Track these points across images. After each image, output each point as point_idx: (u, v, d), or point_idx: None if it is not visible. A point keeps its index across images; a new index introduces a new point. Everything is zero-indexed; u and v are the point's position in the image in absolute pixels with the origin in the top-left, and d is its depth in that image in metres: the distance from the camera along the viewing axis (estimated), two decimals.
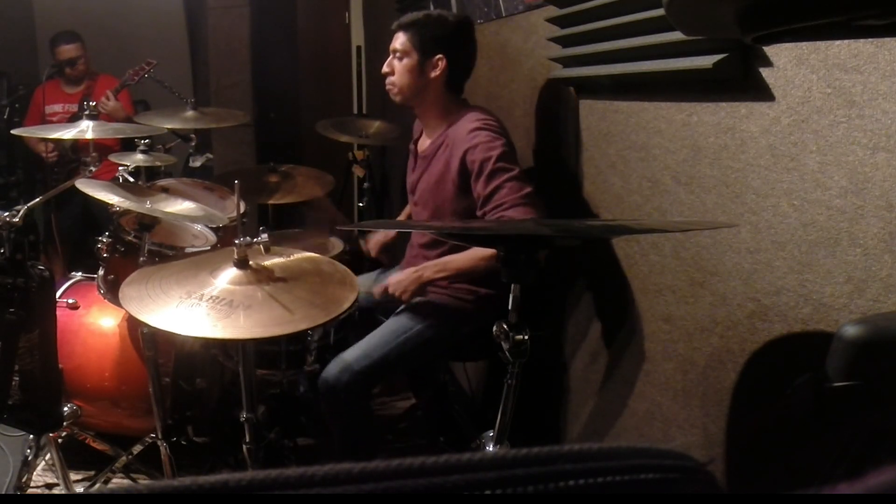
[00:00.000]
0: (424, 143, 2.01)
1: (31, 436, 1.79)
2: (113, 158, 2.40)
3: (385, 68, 1.94)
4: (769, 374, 1.19)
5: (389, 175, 3.89)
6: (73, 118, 3.39)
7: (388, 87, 1.95)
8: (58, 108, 3.51)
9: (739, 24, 0.58)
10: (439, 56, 1.87)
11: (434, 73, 1.88)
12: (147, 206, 1.79)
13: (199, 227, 2.23)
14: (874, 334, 0.76)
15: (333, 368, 1.81)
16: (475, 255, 1.81)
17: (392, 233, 2.36)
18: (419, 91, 1.91)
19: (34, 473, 1.92)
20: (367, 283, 2.13)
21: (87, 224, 3.42)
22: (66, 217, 3.43)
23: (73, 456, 2.05)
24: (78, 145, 3.32)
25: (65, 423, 1.90)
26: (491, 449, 1.31)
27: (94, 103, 2.37)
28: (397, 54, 1.91)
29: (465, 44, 1.93)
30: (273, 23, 4.54)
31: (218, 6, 4.43)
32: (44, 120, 3.45)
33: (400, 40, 1.90)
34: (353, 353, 1.83)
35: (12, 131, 2.63)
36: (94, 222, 3.36)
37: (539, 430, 2.12)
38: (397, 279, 1.88)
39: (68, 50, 3.46)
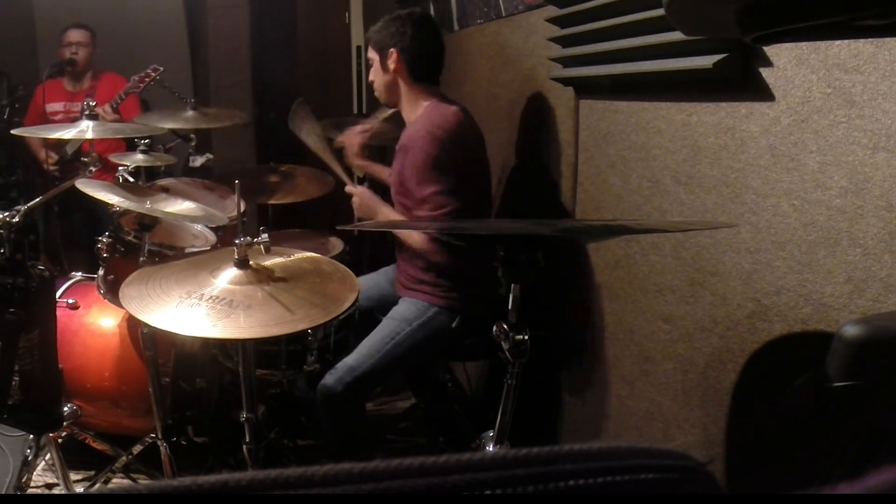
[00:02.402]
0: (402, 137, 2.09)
1: (31, 436, 1.79)
2: (113, 158, 2.40)
3: (370, 77, 2.10)
4: (769, 374, 1.19)
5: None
6: (77, 118, 3.35)
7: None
8: (59, 106, 3.43)
9: (739, 24, 0.58)
10: (391, 50, 1.99)
11: (392, 66, 2.00)
12: (147, 206, 1.79)
13: (199, 227, 2.23)
14: (874, 334, 0.76)
15: (330, 378, 1.85)
16: (418, 239, 1.93)
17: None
18: (389, 87, 2.05)
19: (34, 473, 1.92)
20: (366, 284, 2.14)
21: (92, 229, 3.38)
22: (70, 223, 3.39)
23: (73, 456, 2.05)
24: (81, 150, 3.27)
25: (65, 423, 1.90)
26: (491, 449, 1.31)
27: (93, 103, 2.35)
28: (370, 63, 2.08)
29: (414, 33, 2.01)
30: (273, 23, 4.54)
31: (218, 6, 4.43)
32: (45, 119, 3.38)
33: (369, 49, 2.07)
34: (350, 361, 1.86)
35: (13, 131, 2.62)
36: (101, 228, 3.33)
37: (539, 430, 2.12)
38: (366, 198, 2.02)
39: (73, 34, 3.38)
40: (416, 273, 1.98)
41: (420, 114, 1.98)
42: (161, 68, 3.10)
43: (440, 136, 1.88)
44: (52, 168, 3.35)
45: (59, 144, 3.28)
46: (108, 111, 3.10)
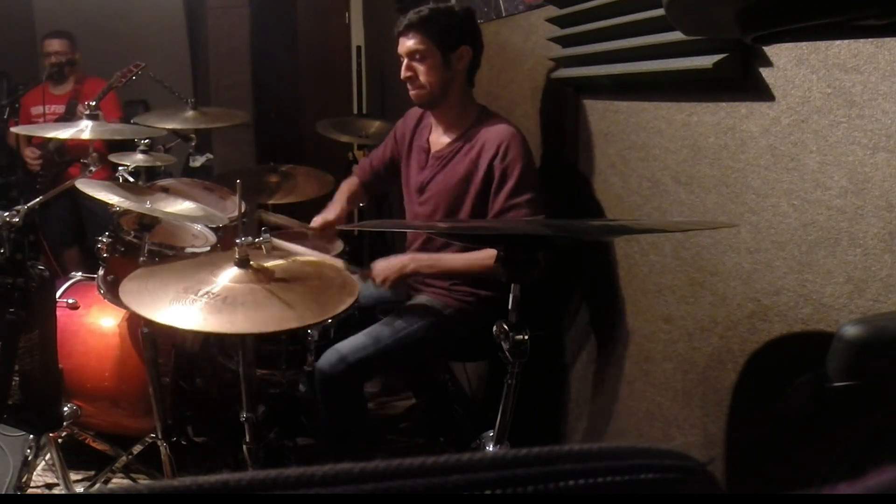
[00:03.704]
0: (439, 142, 1.95)
1: (31, 436, 1.79)
2: (113, 158, 2.40)
3: (406, 72, 1.86)
4: (769, 374, 1.19)
5: None
6: (60, 120, 3.38)
7: (413, 91, 1.87)
8: (41, 109, 3.47)
9: (739, 24, 0.58)
10: (464, 46, 1.84)
11: (461, 65, 1.85)
12: (147, 206, 1.79)
13: (199, 227, 2.23)
14: (874, 334, 0.76)
15: (330, 358, 1.81)
16: (473, 258, 1.81)
17: (336, 215, 2.16)
18: (446, 87, 1.86)
19: (34, 473, 1.92)
20: (366, 285, 2.14)
21: (75, 228, 3.39)
22: (52, 221, 3.39)
23: (73, 456, 2.05)
24: (64, 149, 3.30)
25: (65, 423, 1.90)
26: (491, 449, 1.31)
27: (93, 103, 2.36)
28: (416, 55, 1.83)
29: (478, 30, 1.91)
30: (273, 23, 4.54)
31: (218, 6, 4.44)
32: (29, 122, 3.41)
33: (414, 40, 1.83)
34: (349, 345, 1.83)
35: (12, 129, 2.63)
36: (82, 226, 3.35)
37: (539, 430, 2.12)
38: (382, 266, 1.85)
39: (52, 44, 3.42)
40: (431, 278, 1.95)
41: (489, 124, 1.84)
42: (143, 64, 3.08)
43: (525, 140, 1.80)
44: (33, 164, 3.38)
45: (42, 142, 3.31)
46: (88, 106, 3.16)
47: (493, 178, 1.79)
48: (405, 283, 1.94)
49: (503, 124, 1.84)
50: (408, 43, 1.84)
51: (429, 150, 1.98)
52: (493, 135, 1.81)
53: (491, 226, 1.62)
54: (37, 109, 3.48)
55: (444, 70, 1.84)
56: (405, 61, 1.86)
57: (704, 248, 1.33)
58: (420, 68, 1.84)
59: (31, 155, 3.42)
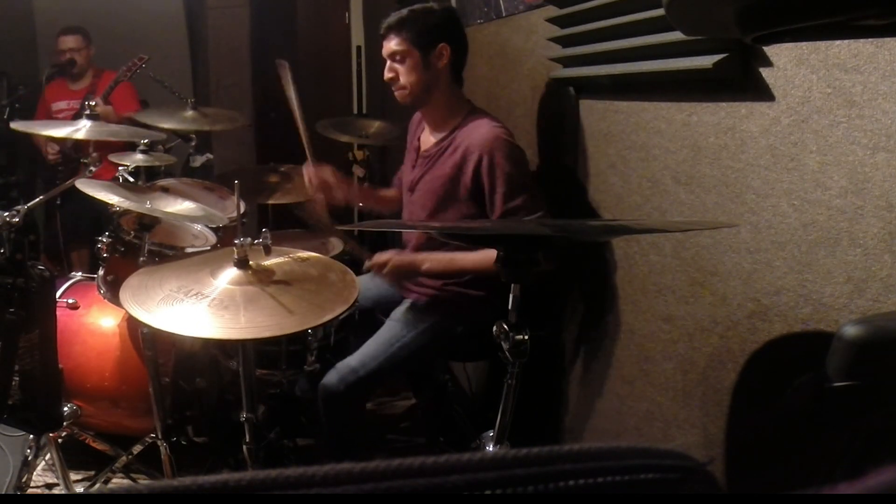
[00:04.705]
0: (428, 142, 1.96)
1: (31, 436, 1.79)
2: (113, 158, 2.40)
3: (388, 74, 1.89)
4: (769, 374, 1.19)
5: (389, 175, 3.88)
6: (77, 115, 3.39)
7: (396, 92, 1.90)
8: (63, 104, 3.51)
9: (739, 24, 0.58)
10: (442, 45, 1.84)
11: (441, 63, 1.85)
12: (147, 206, 1.79)
13: (199, 227, 2.23)
14: (874, 334, 0.77)
15: (333, 377, 1.82)
16: (485, 256, 1.79)
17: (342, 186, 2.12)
18: (429, 87, 1.87)
19: (34, 473, 1.92)
20: (366, 284, 2.14)
21: (91, 225, 3.40)
22: (71, 215, 3.41)
23: (73, 456, 2.05)
24: (80, 145, 3.31)
25: (65, 423, 1.90)
26: (491, 449, 1.31)
27: (94, 102, 2.36)
28: (396, 57, 1.86)
29: (459, 28, 1.91)
30: (273, 23, 4.54)
31: (218, 6, 4.43)
32: (50, 117, 3.44)
33: (394, 42, 1.86)
34: (353, 362, 1.84)
35: (12, 124, 2.63)
36: (99, 223, 3.35)
37: (539, 430, 2.12)
38: (395, 259, 1.83)
39: (66, 41, 3.45)
40: (423, 277, 1.95)
41: (474, 122, 1.84)
42: (147, 56, 3.09)
43: (513, 140, 1.78)
44: (53, 159, 3.41)
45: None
46: (100, 103, 3.20)
47: (483, 186, 1.78)
48: (410, 280, 1.94)
49: (486, 125, 1.81)
50: (389, 45, 1.87)
51: (419, 148, 2.00)
52: (475, 140, 1.79)
53: (490, 226, 1.62)
54: (58, 105, 3.51)
55: (425, 70, 1.85)
56: (388, 63, 1.89)
57: (704, 248, 1.33)
58: (400, 69, 1.86)
59: (51, 151, 3.45)
